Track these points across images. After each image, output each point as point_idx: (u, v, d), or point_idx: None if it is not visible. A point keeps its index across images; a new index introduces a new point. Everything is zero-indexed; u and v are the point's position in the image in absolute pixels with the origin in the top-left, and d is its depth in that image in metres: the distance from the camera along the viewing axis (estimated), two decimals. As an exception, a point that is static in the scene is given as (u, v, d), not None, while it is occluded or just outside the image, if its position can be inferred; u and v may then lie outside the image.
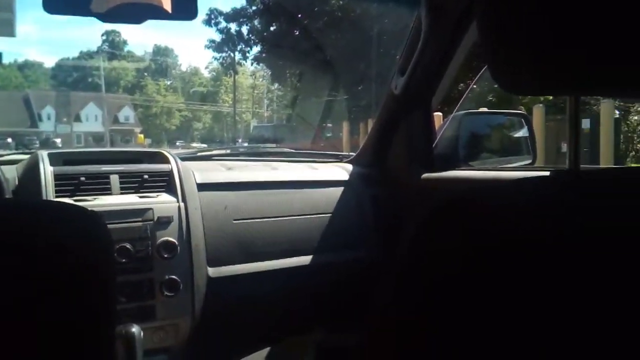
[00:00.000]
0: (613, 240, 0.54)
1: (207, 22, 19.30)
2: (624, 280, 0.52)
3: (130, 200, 1.55)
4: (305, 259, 1.75)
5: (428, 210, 0.59)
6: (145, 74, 42.45)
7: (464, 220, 0.56)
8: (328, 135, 16.93)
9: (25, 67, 44.50)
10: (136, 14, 1.46)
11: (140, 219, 1.51)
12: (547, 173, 0.65)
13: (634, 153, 11.35)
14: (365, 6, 12.87)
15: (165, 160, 1.70)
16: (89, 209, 0.76)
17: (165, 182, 1.63)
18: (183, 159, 1.78)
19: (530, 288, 0.51)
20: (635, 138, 11.48)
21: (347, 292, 1.82)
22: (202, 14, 18.43)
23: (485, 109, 4.40)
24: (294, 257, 1.73)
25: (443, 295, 0.53)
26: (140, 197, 1.57)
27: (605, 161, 7.92)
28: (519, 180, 0.64)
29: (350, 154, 2.23)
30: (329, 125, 17.13)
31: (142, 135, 34.54)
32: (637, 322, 0.51)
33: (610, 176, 0.72)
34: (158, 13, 1.46)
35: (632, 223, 0.55)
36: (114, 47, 40.59)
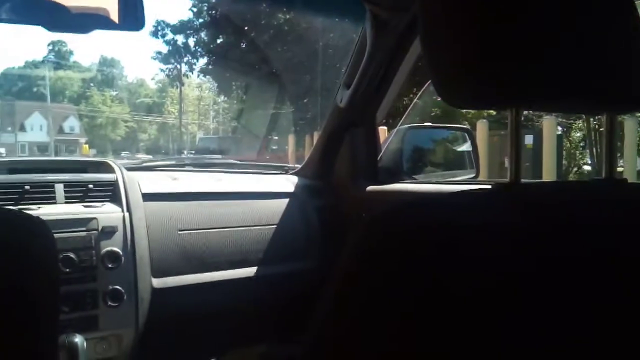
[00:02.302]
0: (550, 249, 0.56)
1: (154, 34, 19.07)
2: (561, 287, 0.54)
3: (75, 209, 1.53)
4: (251, 270, 1.75)
5: (362, 226, 0.60)
6: (91, 84, 41.44)
7: (398, 234, 0.57)
8: (274, 147, 16.90)
9: (-32, 77, 42.78)
10: (83, 24, 1.44)
11: (84, 229, 1.49)
12: (489, 186, 0.66)
13: (576, 169, 11.74)
14: (311, 20, 12.93)
15: (110, 170, 1.69)
16: (31, 214, 0.75)
17: (110, 192, 1.61)
18: (129, 169, 1.76)
19: (463, 297, 0.52)
20: (577, 154, 11.87)
21: (293, 303, 1.82)
22: (149, 25, 18.17)
23: (429, 123, 4.47)
24: (240, 269, 1.73)
25: (377, 311, 0.54)
26: (85, 206, 1.55)
27: (548, 177, 8.13)
28: (458, 193, 0.65)
29: (296, 165, 2.24)
30: (275, 137, 17.12)
31: (86, 146, 33.68)
32: (571, 320, 0.53)
33: (549, 189, 0.75)
34: (105, 23, 1.45)
35: (569, 232, 0.58)
36: (60, 57, 39.48)
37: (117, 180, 1.63)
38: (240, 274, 1.73)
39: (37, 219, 0.76)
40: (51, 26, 1.43)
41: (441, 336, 0.51)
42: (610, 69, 0.66)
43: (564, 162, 10.92)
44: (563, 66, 0.63)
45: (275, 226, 1.84)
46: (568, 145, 11.40)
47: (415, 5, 0.69)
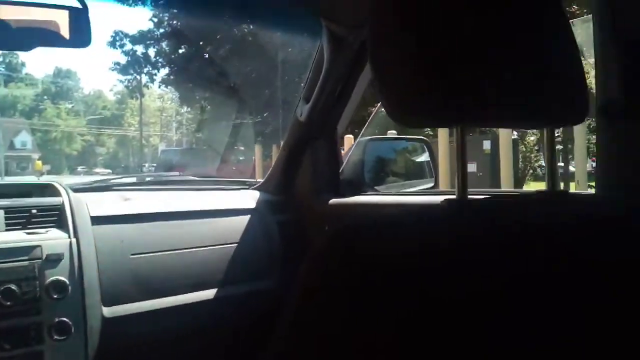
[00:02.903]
0: (490, 263, 0.58)
1: (112, 44, 18.70)
2: (505, 302, 0.56)
3: (17, 237, 1.45)
4: (211, 293, 1.69)
5: (323, 242, 0.62)
6: (45, 97, 40.59)
7: (350, 252, 0.58)
8: (241, 158, 16.87)
9: None
10: (26, 42, 1.40)
11: (26, 257, 1.40)
12: (439, 199, 0.69)
13: (532, 171, 12.06)
14: (269, 35, 13.02)
15: (56, 192, 1.62)
16: None
17: (56, 217, 1.54)
18: (77, 190, 1.69)
19: (414, 313, 0.53)
20: (533, 158, 12.20)
21: (257, 322, 1.78)
22: (106, 36, 17.95)
23: (393, 132, 4.53)
24: (198, 292, 1.67)
25: (338, 326, 0.54)
26: (28, 233, 1.47)
27: (506, 179, 8.34)
28: (411, 211, 0.69)
29: (257, 180, 2.22)
30: (241, 148, 17.08)
31: (40, 162, 32.86)
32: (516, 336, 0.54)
33: (494, 203, 0.79)
34: (51, 40, 1.41)
35: (510, 247, 0.60)
36: (11, 69, 38.59)
37: (63, 204, 1.56)
38: (199, 296, 1.67)
39: None
40: (-11, 43, 1.38)
41: (405, 350, 0.52)
42: (548, 86, 0.70)
43: (520, 165, 11.22)
44: (504, 85, 0.66)
45: (236, 244, 1.80)
46: (524, 149, 11.72)
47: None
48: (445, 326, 0.53)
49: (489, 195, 0.85)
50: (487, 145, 9.54)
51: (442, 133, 9.22)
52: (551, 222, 0.67)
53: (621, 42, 0.98)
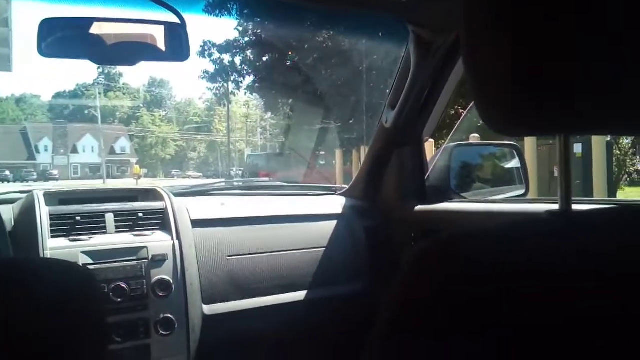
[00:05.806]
0: (600, 285, 0.52)
1: (201, 54, 19.28)
2: (611, 324, 0.50)
3: (125, 239, 1.56)
4: (300, 294, 1.74)
5: (412, 256, 0.58)
6: (141, 105, 42.59)
7: (445, 269, 0.55)
8: (321, 163, 16.99)
9: (21, 101, 44.72)
10: (129, 57, 1.48)
11: (135, 258, 1.51)
12: (539, 209, 0.63)
13: (626, 176, 11.40)
14: (354, 42, 13.01)
15: (159, 197, 1.71)
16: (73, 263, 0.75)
17: (160, 220, 1.64)
18: (177, 195, 1.79)
19: (515, 336, 0.49)
20: (628, 161, 11.54)
21: (343, 327, 1.81)
22: (196, 46, 18.54)
23: (476, 135, 4.38)
24: (289, 293, 1.73)
25: (430, 343, 0.52)
26: (135, 235, 1.58)
27: (598, 185, 7.94)
28: (512, 225, 0.62)
29: (343, 186, 2.24)
30: (322, 153, 17.18)
31: (137, 166, 34.51)
32: None
33: (602, 217, 0.69)
34: (151, 55, 1.49)
35: (621, 266, 0.53)
36: (109, 79, 40.77)
37: (166, 208, 1.66)
38: (289, 298, 1.73)
39: (81, 269, 0.76)
40: (98, 60, 1.49)
41: None
42: None
43: (614, 169, 10.57)
44: (613, 87, 0.58)
45: (324, 249, 1.84)
46: (617, 152, 11.03)
47: (459, 26, 0.65)
48: (550, 351, 0.48)
49: (595, 205, 0.71)
50: (578, 148, 9.05)
51: (529, 138, 8.89)
52: None
53: None
